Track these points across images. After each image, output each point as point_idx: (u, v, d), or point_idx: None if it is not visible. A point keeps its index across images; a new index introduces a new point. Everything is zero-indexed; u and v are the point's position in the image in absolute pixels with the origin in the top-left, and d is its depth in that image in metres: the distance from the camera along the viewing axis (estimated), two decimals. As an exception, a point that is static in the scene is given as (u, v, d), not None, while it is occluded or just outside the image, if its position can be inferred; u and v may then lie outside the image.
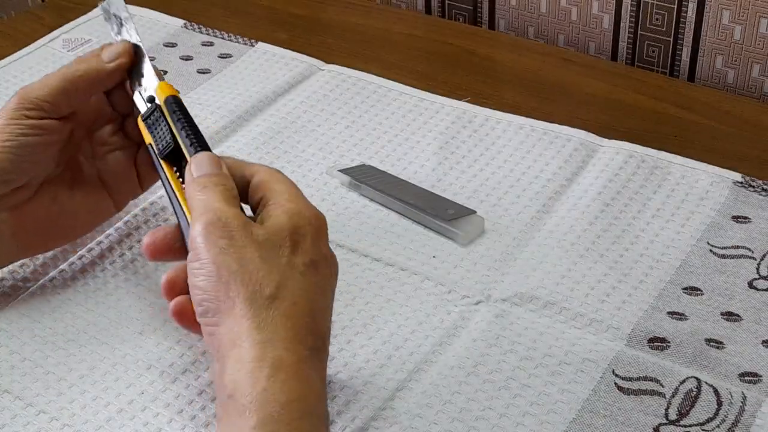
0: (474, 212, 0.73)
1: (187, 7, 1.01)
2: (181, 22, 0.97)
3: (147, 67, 0.66)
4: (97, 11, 1.00)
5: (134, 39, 0.68)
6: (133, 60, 0.67)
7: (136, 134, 0.68)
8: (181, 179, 0.61)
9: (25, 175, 0.65)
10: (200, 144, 0.60)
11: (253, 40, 0.94)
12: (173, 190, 0.61)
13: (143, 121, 0.64)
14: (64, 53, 0.93)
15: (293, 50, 0.93)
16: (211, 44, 0.94)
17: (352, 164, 0.79)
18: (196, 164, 0.59)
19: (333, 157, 0.80)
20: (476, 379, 0.61)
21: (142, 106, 0.65)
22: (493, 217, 0.73)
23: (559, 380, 0.61)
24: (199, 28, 0.96)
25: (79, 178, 0.69)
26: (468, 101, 0.85)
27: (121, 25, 0.69)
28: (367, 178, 0.76)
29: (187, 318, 0.57)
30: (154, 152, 0.63)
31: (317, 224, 0.56)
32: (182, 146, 0.61)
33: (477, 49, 0.94)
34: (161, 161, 0.62)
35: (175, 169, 0.62)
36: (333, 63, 0.91)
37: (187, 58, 0.92)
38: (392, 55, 0.93)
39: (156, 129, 0.63)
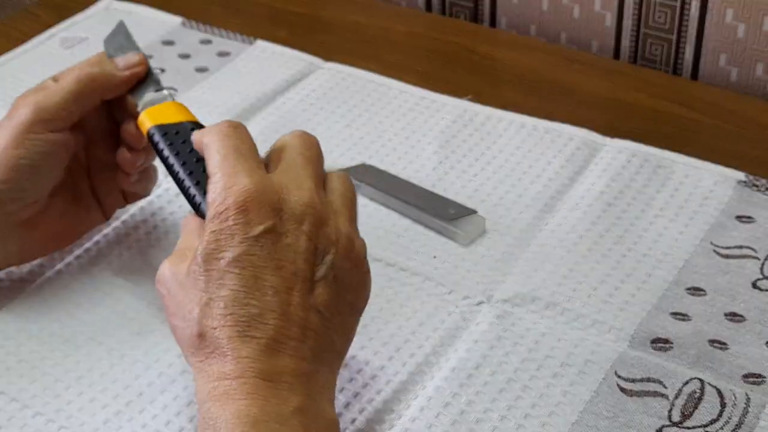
0: (475, 212, 0.72)
1: (185, 5, 1.00)
2: (180, 19, 0.97)
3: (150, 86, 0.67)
4: (94, 9, 0.99)
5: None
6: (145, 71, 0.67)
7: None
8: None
9: (39, 191, 0.65)
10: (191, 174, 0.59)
11: (251, 38, 0.94)
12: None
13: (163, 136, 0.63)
14: (62, 51, 0.93)
15: (292, 48, 0.92)
16: (210, 42, 0.94)
17: (351, 163, 0.78)
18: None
19: (332, 156, 0.79)
20: (477, 380, 0.61)
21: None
22: (494, 217, 0.73)
23: (561, 382, 0.60)
24: (198, 25, 0.96)
25: (77, 190, 0.68)
26: (470, 99, 0.85)
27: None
28: (366, 178, 0.76)
29: None
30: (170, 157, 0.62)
31: (239, 205, 0.52)
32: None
33: (478, 48, 0.93)
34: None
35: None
36: (332, 61, 0.90)
37: (186, 56, 0.92)
38: (392, 53, 0.93)
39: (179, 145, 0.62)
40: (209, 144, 0.56)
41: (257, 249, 0.51)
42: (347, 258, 0.54)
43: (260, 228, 0.52)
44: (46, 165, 0.64)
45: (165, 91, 0.66)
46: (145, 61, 0.67)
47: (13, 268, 0.69)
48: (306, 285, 0.52)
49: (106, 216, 0.70)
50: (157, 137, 0.62)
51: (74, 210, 0.68)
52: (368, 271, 0.57)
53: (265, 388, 0.49)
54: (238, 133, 0.56)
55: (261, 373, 0.50)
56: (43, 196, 0.66)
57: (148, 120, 0.63)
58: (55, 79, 0.66)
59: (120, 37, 0.70)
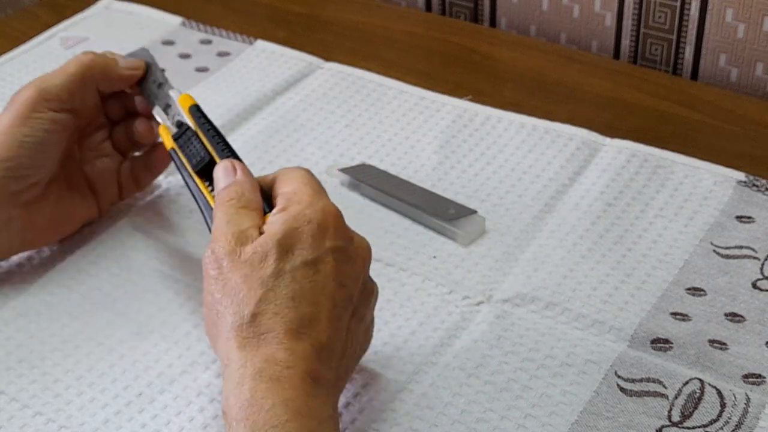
0: (475, 212, 0.72)
1: (185, 5, 1.00)
2: (180, 19, 0.97)
3: (171, 91, 0.69)
4: (94, 9, 0.99)
5: (159, 79, 0.70)
6: (144, 75, 0.70)
7: (123, 143, 0.72)
8: (213, 193, 0.62)
9: (41, 171, 0.67)
10: (230, 152, 0.63)
11: (251, 38, 0.94)
12: (208, 204, 0.62)
13: (174, 141, 0.66)
14: (62, 51, 0.93)
15: (292, 48, 0.92)
16: (210, 42, 0.94)
17: (351, 163, 0.78)
18: (217, 175, 0.60)
19: (332, 156, 0.79)
20: (477, 380, 0.61)
21: (166, 121, 0.68)
22: (494, 217, 0.73)
23: (561, 382, 0.60)
24: (198, 25, 0.96)
25: (72, 180, 0.70)
26: (469, 99, 0.85)
27: (145, 71, 0.72)
28: (367, 178, 0.76)
29: None
30: (185, 169, 0.64)
31: (320, 219, 0.55)
32: (215, 157, 0.63)
33: (478, 47, 0.93)
34: (194, 176, 0.63)
35: (207, 183, 0.63)
36: (332, 61, 0.90)
37: (186, 56, 0.92)
38: (392, 53, 0.93)
39: (188, 147, 0.65)
40: (287, 175, 0.59)
41: (329, 260, 0.55)
42: (373, 310, 0.59)
43: (334, 243, 0.55)
44: (49, 144, 0.67)
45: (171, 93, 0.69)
46: (144, 68, 0.71)
47: (13, 268, 0.70)
48: (352, 310, 0.56)
49: (101, 208, 0.72)
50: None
51: (69, 197, 0.70)
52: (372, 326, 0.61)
53: (311, 387, 0.52)
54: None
55: (311, 372, 0.52)
56: (44, 178, 0.67)
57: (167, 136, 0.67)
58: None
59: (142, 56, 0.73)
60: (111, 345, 0.64)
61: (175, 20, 0.97)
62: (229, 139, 0.81)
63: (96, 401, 0.61)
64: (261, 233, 0.55)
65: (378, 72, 0.88)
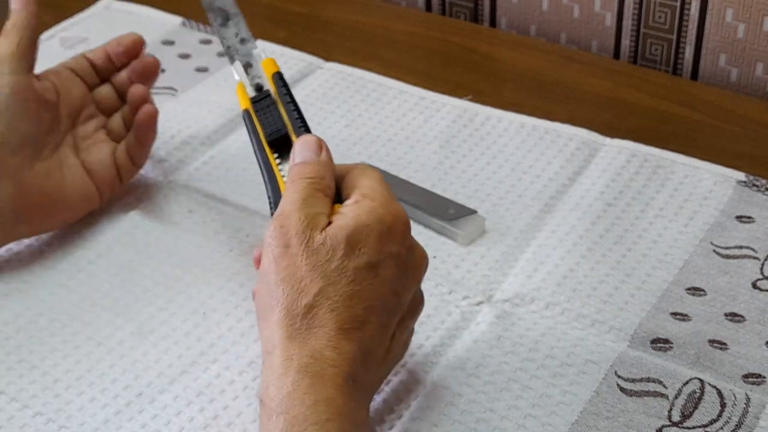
0: (475, 212, 0.72)
1: (185, 5, 1.00)
2: (180, 19, 0.97)
3: (254, 51, 0.68)
4: (94, 9, 0.99)
5: (243, 33, 0.70)
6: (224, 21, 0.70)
7: (118, 132, 0.73)
8: (280, 166, 0.61)
9: (18, 135, 0.67)
10: (306, 130, 0.62)
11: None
12: (273, 176, 0.61)
13: (253, 104, 0.64)
14: (62, 51, 0.93)
15: (292, 48, 0.92)
16: (210, 42, 0.94)
17: (351, 163, 0.78)
18: (298, 148, 0.59)
19: (332, 156, 0.79)
20: (477, 380, 0.61)
21: (244, 79, 0.67)
22: (494, 217, 0.73)
23: (561, 382, 0.60)
24: (198, 25, 0.96)
25: (66, 165, 0.71)
26: (469, 99, 0.85)
27: (227, 19, 0.70)
28: (367, 178, 0.76)
29: None
30: (256, 135, 0.63)
31: (390, 222, 0.55)
32: (290, 130, 0.62)
33: (478, 47, 0.93)
34: (265, 145, 0.62)
35: (276, 155, 0.62)
36: (332, 61, 0.90)
37: (185, 56, 0.92)
38: (392, 53, 0.93)
39: (265, 114, 0.63)
40: (365, 171, 0.59)
41: (390, 266, 0.54)
42: (416, 321, 0.59)
43: (397, 250, 0.55)
44: (17, 108, 0.67)
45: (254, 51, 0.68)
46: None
47: (13, 268, 0.70)
48: (399, 320, 0.56)
49: (102, 196, 0.72)
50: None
51: (60, 175, 0.70)
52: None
53: (352, 389, 0.52)
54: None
55: (353, 374, 0.52)
56: (25, 148, 0.67)
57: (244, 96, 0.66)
58: None
59: None
60: (111, 345, 0.64)
61: (175, 20, 0.97)
62: (230, 140, 0.82)
63: (96, 401, 0.61)
64: (329, 223, 0.55)
65: (378, 72, 0.88)
